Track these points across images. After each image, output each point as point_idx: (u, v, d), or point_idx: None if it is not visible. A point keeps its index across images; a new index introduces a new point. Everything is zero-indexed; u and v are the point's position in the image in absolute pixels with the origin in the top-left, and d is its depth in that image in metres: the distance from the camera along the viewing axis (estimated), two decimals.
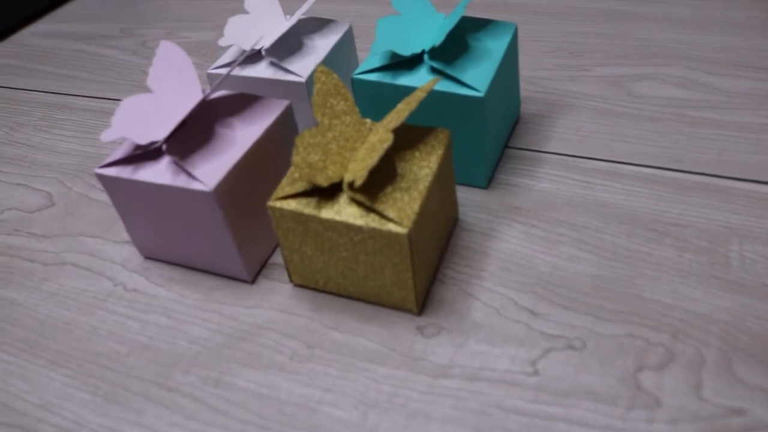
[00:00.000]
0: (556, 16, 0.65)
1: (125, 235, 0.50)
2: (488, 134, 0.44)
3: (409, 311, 0.41)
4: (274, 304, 0.43)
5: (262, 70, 0.49)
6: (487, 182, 0.47)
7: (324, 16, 0.68)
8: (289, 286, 0.44)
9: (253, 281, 0.44)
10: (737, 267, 0.40)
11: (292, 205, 0.38)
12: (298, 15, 0.50)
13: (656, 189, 0.46)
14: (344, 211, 0.37)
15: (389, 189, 0.37)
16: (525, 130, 0.52)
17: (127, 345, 0.42)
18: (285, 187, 0.39)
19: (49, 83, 0.69)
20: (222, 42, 0.49)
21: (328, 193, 0.38)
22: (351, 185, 0.37)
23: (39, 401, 0.40)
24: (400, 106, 0.40)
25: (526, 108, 0.54)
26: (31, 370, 0.42)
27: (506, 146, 0.51)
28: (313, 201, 0.38)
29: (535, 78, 0.57)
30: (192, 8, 0.80)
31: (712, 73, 0.55)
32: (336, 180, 0.37)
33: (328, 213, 0.37)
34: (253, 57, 0.50)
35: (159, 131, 0.41)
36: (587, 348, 0.38)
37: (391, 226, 0.36)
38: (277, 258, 0.46)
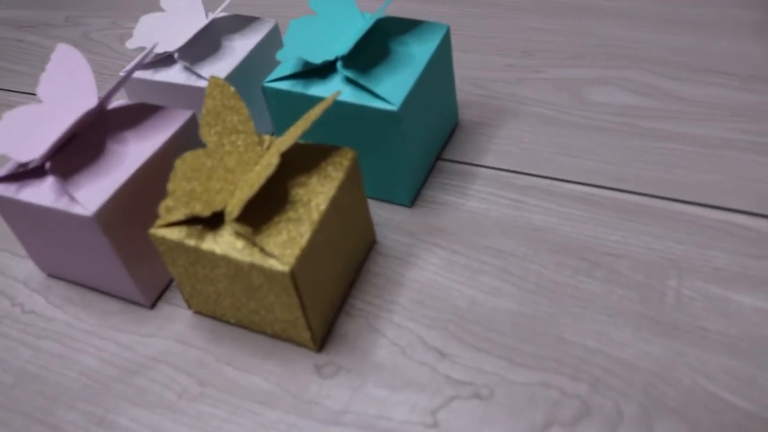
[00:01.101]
0: (515, 10, 0.60)
1: None
2: (407, 150, 0.40)
3: (309, 347, 0.37)
4: (171, 333, 0.40)
5: (173, 74, 0.45)
6: (411, 200, 0.43)
7: (253, 13, 0.64)
8: (189, 313, 0.41)
9: (152, 306, 0.41)
10: (672, 306, 0.36)
11: (174, 233, 0.35)
12: (217, 12, 0.46)
13: (595, 211, 0.41)
14: (225, 244, 0.34)
15: (277, 219, 0.34)
16: (462, 139, 0.48)
17: (14, 374, 0.39)
18: (173, 211, 0.35)
19: None
20: (129, 44, 0.45)
21: (215, 220, 0.35)
22: (238, 218, 0.33)
23: None
24: (298, 122, 0.36)
25: (466, 114, 0.49)
26: None
27: (439, 157, 0.47)
28: (197, 230, 0.35)
29: (480, 80, 0.52)
30: None
31: (673, 78, 0.50)
32: (220, 208, 0.34)
33: (208, 245, 0.34)
34: (167, 59, 0.46)
35: (40, 147, 0.38)
36: (495, 397, 0.34)
37: (272, 263, 0.32)
38: None
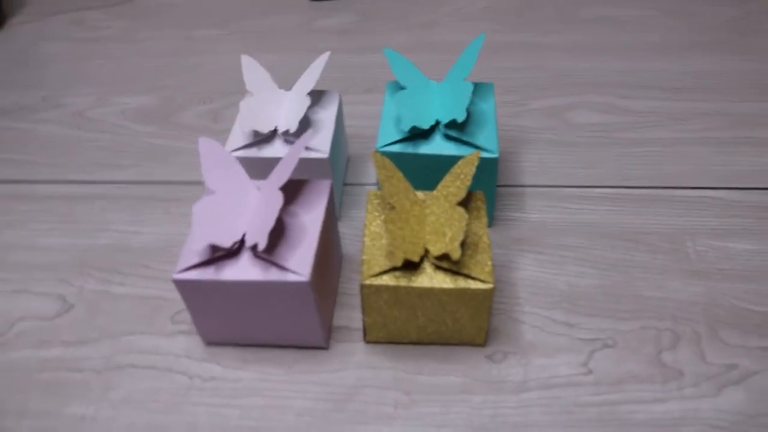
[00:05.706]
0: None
1: (172, 327, 0.51)
2: (496, 185, 0.53)
3: (475, 344, 0.49)
4: (357, 364, 0.48)
5: (280, 148, 0.53)
6: (491, 221, 0.56)
7: None
8: (360, 345, 0.49)
9: (328, 347, 0.49)
10: (696, 259, 0.54)
11: (385, 280, 0.44)
12: (304, 92, 0.54)
13: (618, 205, 0.58)
14: (435, 279, 0.44)
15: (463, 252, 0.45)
16: (503, 168, 0.62)
17: (235, 431, 0.45)
18: (373, 266, 0.44)
19: None
20: (242, 126, 0.52)
21: (409, 265, 0.45)
22: (438, 257, 0.44)
23: None
24: (449, 178, 0.47)
25: None
26: None
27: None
28: (401, 274, 0.44)
29: None
30: (113, 70, 0.76)
31: (622, 96, 0.69)
32: (422, 253, 0.44)
33: (421, 282, 0.44)
34: (267, 137, 0.53)
35: (237, 231, 0.44)
36: (618, 344, 0.49)
37: (480, 285, 0.44)
38: (338, 321, 0.51)
